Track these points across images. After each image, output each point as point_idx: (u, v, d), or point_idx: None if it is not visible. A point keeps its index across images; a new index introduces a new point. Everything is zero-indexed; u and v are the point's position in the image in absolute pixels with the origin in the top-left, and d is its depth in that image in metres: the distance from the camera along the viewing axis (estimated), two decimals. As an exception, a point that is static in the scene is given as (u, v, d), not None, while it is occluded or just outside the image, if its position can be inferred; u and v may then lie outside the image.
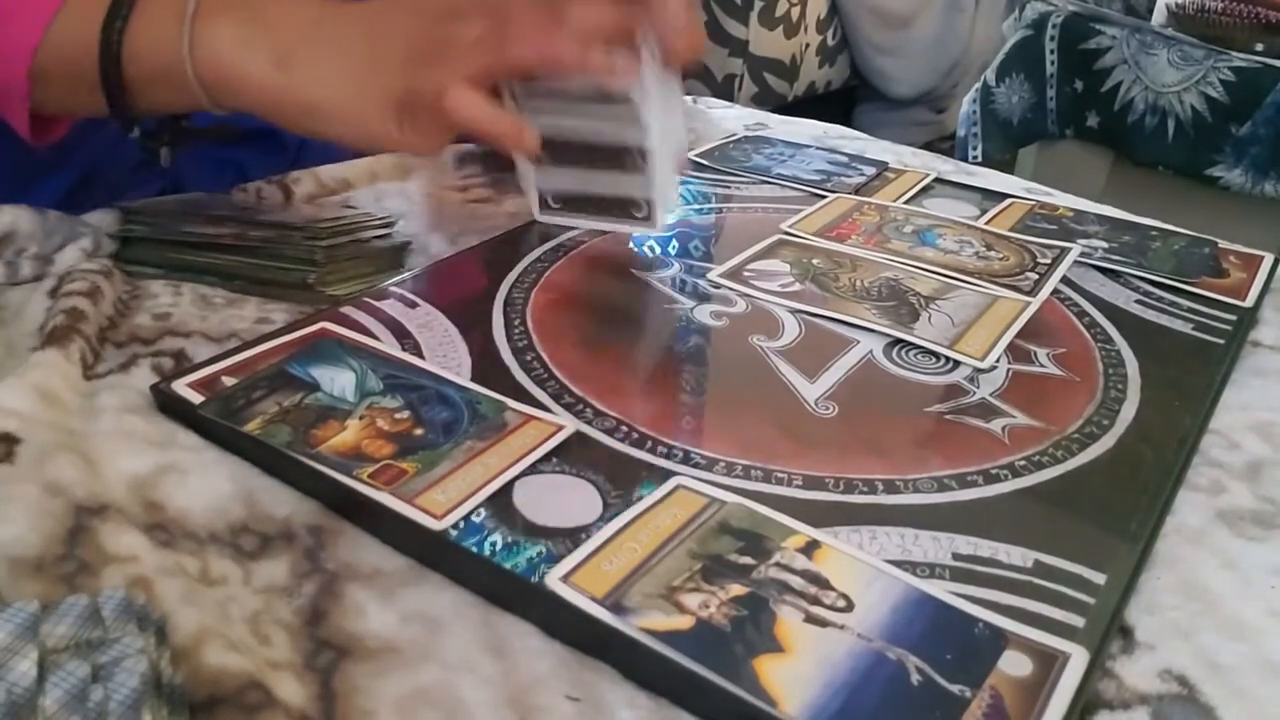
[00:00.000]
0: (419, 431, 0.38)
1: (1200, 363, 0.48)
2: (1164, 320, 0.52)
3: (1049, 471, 0.39)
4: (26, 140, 0.50)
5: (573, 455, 0.38)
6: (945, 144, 2.23)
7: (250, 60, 0.47)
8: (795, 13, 2.10)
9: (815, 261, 0.55)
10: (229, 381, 0.41)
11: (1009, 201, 0.66)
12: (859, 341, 0.47)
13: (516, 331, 0.47)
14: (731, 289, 0.52)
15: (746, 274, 0.53)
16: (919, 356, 0.47)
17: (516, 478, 0.36)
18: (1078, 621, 0.32)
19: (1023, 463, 0.39)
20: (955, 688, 0.29)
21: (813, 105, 2.25)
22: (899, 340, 0.48)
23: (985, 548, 0.34)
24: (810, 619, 0.30)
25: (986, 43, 2.22)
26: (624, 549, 0.33)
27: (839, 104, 2.40)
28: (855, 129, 0.83)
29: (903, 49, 2.28)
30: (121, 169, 0.63)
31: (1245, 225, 0.90)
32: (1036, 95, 1.42)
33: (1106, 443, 0.41)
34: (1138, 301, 0.53)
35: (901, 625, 0.30)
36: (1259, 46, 1.26)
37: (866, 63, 2.32)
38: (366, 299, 0.48)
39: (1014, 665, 0.29)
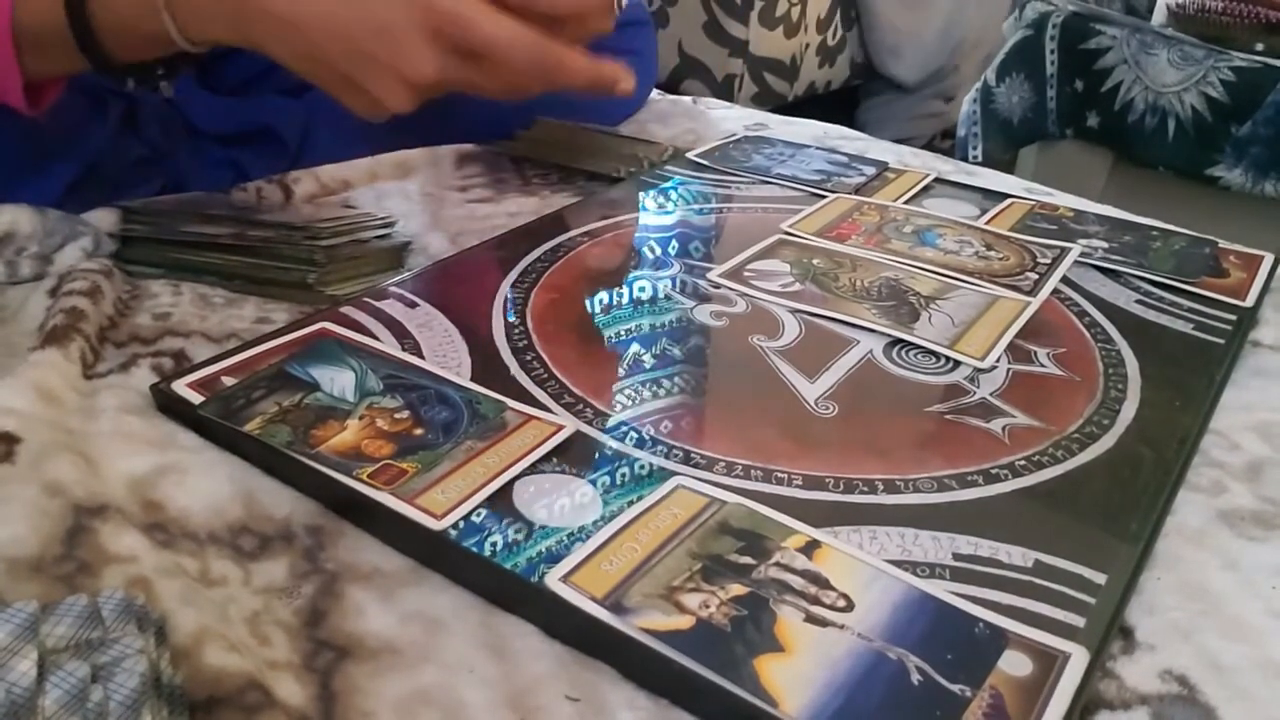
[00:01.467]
0: (419, 431, 0.38)
1: (1200, 363, 0.48)
2: (1164, 320, 0.51)
3: (1049, 471, 0.39)
4: (21, 110, 0.49)
5: (573, 455, 0.38)
6: (952, 141, 2.23)
7: None
8: (795, 13, 2.09)
9: (815, 261, 0.55)
10: (229, 381, 0.41)
11: (1009, 201, 0.66)
12: (859, 341, 0.47)
13: (516, 331, 0.47)
14: (731, 289, 0.52)
15: (747, 274, 0.53)
16: (919, 356, 0.46)
17: (516, 478, 0.36)
18: (1078, 621, 0.32)
19: (1023, 462, 0.39)
20: (955, 687, 0.29)
21: (812, 106, 2.25)
22: (899, 340, 0.47)
23: (985, 547, 0.34)
24: (810, 619, 0.30)
25: (983, 20, 2.23)
26: (624, 549, 0.33)
27: (839, 104, 2.40)
28: (863, 126, 0.83)
29: (919, 27, 2.28)
30: (122, 164, 0.63)
31: (1245, 225, 0.90)
32: (1037, 95, 1.42)
33: (1107, 442, 0.41)
34: (1138, 301, 0.53)
35: (902, 625, 0.30)
36: (1259, 46, 1.25)
37: (881, 44, 2.31)
38: (366, 299, 0.48)
39: (1014, 665, 0.29)
